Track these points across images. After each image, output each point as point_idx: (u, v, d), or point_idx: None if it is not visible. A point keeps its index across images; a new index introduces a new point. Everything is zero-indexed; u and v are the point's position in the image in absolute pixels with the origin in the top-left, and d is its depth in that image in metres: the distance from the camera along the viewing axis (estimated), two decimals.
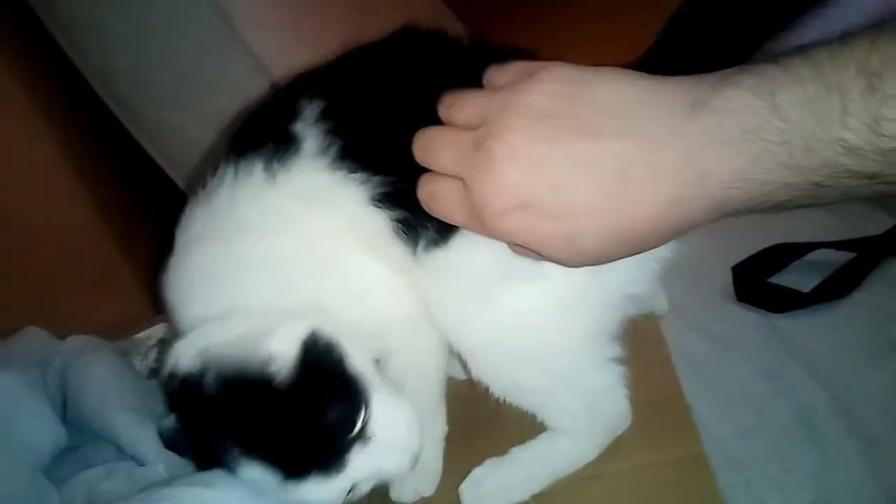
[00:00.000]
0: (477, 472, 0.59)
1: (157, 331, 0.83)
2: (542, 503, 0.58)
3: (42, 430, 0.61)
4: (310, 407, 0.48)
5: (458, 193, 0.46)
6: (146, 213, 1.25)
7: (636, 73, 0.43)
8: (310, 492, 0.48)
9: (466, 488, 0.58)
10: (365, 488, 0.52)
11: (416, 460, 0.51)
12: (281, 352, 0.49)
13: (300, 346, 0.49)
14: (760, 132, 0.37)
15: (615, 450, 0.60)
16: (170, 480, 0.53)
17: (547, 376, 0.56)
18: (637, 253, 0.44)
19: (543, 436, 0.59)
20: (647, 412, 0.64)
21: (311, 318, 0.52)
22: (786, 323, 0.70)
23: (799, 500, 0.56)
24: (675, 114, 0.40)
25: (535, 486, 0.58)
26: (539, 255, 0.46)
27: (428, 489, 0.60)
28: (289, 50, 0.93)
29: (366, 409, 0.50)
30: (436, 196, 0.48)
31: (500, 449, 0.60)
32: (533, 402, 0.58)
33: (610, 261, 0.45)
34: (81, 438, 0.64)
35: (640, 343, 0.70)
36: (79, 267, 1.07)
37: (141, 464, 0.57)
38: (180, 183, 1.09)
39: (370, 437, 0.50)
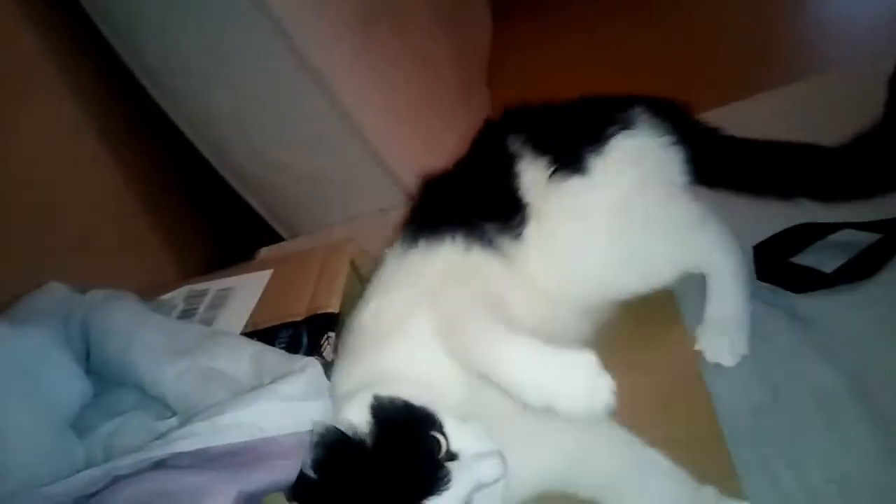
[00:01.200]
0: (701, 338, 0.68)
1: (181, 293, 0.83)
2: None
3: (68, 385, 0.63)
4: (401, 447, 0.53)
5: None
6: (172, 181, 1.27)
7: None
8: None
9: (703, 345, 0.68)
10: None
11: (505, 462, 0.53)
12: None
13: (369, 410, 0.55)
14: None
15: (631, 428, 0.60)
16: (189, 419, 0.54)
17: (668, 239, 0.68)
18: None
19: (709, 292, 0.69)
20: (664, 390, 0.65)
21: None
22: (806, 303, 0.70)
23: (814, 478, 0.56)
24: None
25: (746, 316, 0.68)
26: None
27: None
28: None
29: (443, 430, 0.54)
30: None
31: None
32: (676, 263, 0.69)
33: None
34: (105, 387, 0.65)
35: (659, 322, 0.71)
36: (105, 234, 1.09)
37: (164, 405, 0.58)
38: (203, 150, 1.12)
39: (458, 454, 0.54)
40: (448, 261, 0.67)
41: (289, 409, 0.51)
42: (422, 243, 0.68)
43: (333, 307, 0.73)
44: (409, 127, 1.15)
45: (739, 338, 0.68)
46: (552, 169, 0.69)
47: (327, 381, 0.58)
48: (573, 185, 0.68)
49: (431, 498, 0.51)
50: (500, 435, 0.55)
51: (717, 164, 0.73)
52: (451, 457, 0.53)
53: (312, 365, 0.57)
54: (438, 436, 0.54)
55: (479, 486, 0.52)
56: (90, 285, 0.74)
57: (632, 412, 0.57)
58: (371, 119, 1.06)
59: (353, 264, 0.80)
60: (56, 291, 0.73)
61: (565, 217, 0.68)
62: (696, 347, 0.68)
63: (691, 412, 0.62)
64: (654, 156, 0.71)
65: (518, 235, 0.68)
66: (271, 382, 0.54)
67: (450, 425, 0.54)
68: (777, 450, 0.59)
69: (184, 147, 1.12)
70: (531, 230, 0.68)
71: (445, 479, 0.51)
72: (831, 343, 0.66)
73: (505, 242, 0.68)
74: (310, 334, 0.69)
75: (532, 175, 0.70)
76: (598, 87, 0.75)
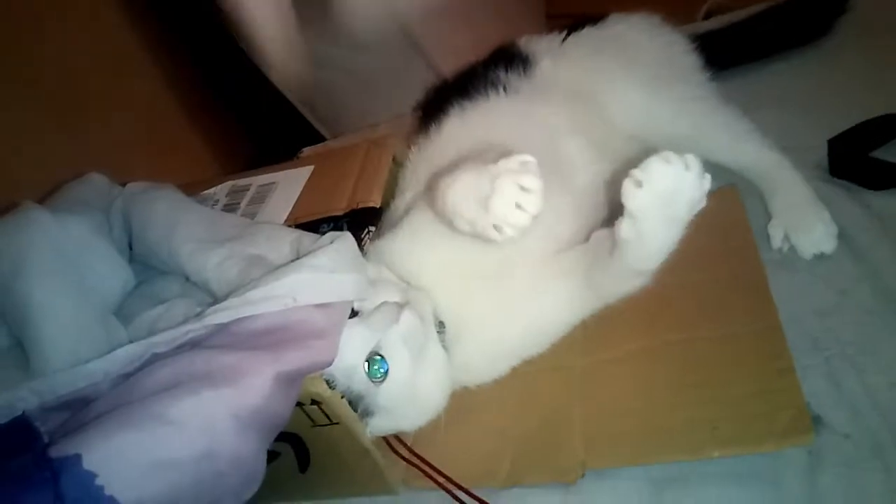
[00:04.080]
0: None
1: (223, 188, 0.82)
2: (628, 358, 0.60)
3: (110, 272, 0.63)
4: None
5: None
6: (218, 81, 1.25)
7: None
8: None
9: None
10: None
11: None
12: None
13: None
14: None
15: (690, 321, 0.59)
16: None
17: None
18: None
19: (772, 187, 0.68)
20: (725, 284, 0.62)
21: None
22: (880, 201, 0.65)
23: (878, 382, 0.53)
24: None
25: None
26: None
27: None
28: None
29: None
30: None
31: None
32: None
33: None
34: (149, 276, 0.65)
35: (724, 216, 0.67)
36: (149, 135, 1.09)
37: (207, 292, 0.58)
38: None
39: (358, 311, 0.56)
40: (451, 133, 0.71)
41: (321, 279, 0.50)
42: (432, 129, 0.73)
43: (375, 201, 0.71)
44: (456, 25, 1.10)
45: (826, 219, 0.64)
46: (565, 33, 0.79)
47: (360, 254, 0.57)
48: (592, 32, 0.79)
49: None
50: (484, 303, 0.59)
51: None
52: (353, 314, 0.55)
53: (342, 238, 0.55)
54: None
55: (375, 337, 0.53)
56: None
57: (693, 309, 0.57)
58: (417, 15, 1.01)
59: (395, 160, 0.77)
60: (96, 182, 0.72)
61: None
62: (777, 245, 0.65)
63: (752, 307, 0.59)
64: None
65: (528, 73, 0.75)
66: (302, 256, 0.52)
67: None
68: (841, 352, 0.56)
69: (228, 47, 1.09)
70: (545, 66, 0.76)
71: None
72: None
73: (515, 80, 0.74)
74: (351, 227, 0.68)
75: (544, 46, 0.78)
76: None
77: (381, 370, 0.54)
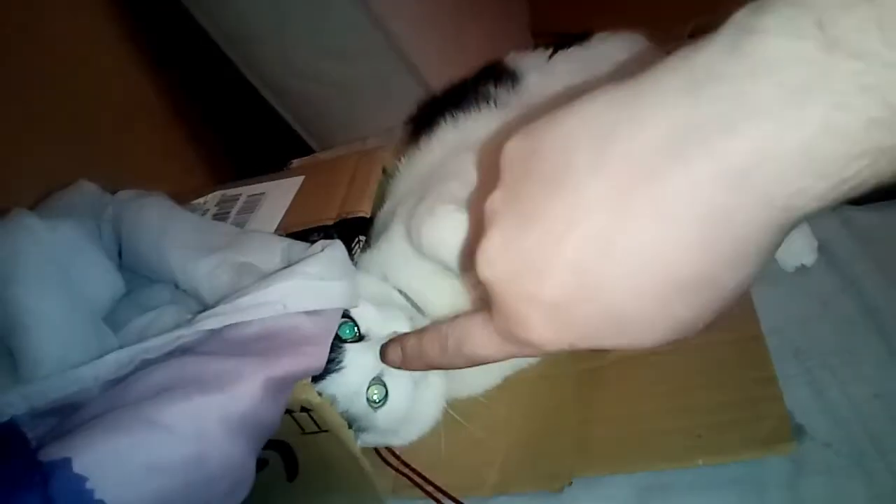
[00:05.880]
0: None
1: (213, 197, 0.82)
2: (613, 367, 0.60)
3: (100, 279, 0.62)
4: None
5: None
6: (209, 92, 1.26)
7: (610, 88, 0.29)
8: None
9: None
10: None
11: None
12: None
13: None
14: (820, 86, 0.23)
15: None
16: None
17: None
18: (714, 304, 0.30)
19: None
20: None
21: None
22: (858, 214, 0.66)
23: (860, 393, 0.54)
24: (669, 110, 0.26)
25: None
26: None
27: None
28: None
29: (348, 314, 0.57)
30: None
31: None
32: None
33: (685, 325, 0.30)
34: (139, 284, 0.65)
35: None
36: (140, 142, 1.09)
37: (197, 300, 0.58)
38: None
39: (367, 336, 0.56)
40: (443, 142, 0.72)
41: (311, 286, 0.50)
42: (422, 140, 0.74)
43: (365, 211, 0.71)
44: (444, 37, 1.11)
45: (807, 232, 0.65)
46: (552, 50, 0.82)
47: (350, 262, 0.57)
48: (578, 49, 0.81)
49: (327, 377, 0.52)
50: None
51: None
52: (361, 339, 0.55)
53: (333, 246, 0.56)
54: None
55: (381, 366, 0.53)
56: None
57: None
58: (405, 28, 1.02)
59: (385, 171, 0.78)
60: (86, 189, 0.72)
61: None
62: None
63: (733, 316, 0.59)
64: None
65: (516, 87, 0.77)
66: (293, 264, 0.52)
67: (360, 309, 0.55)
68: (822, 362, 0.57)
69: (218, 59, 1.10)
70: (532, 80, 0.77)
71: (336, 360, 0.52)
72: (883, 256, 0.63)
73: (503, 94, 0.75)
74: (341, 237, 0.68)
75: (532, 62, 0.80)
76: None
77: (381, 396, 0.55)
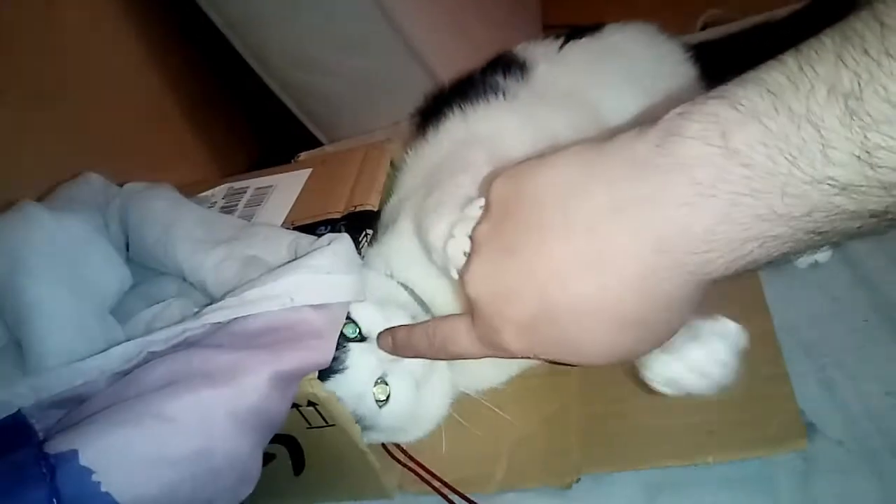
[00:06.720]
0: None
1: (220, 190, 0.82)
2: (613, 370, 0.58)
3: (107, 271, 0.62)
4: None
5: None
6: (215, 88, 1.25)
7: (578, 148, 0.36)
8: None
9: None
10: None
11: None
12: None
13: None
14: (721, 184, 0.29)
15: None
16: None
17: None
18: (650, 338, 0.37)
19: None
20: (721, 292, 0.62)
21: None
22: None
23: (872, 390, 0.53)
24: (615, 183, 0.33)
25: None
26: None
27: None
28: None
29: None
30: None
31: None
32: None
33: (621, 352, 0.38)
34: (146, 276, 0.65)
35: None
36: (148, 136, 1.09)
37: (204, 293, 0.58)
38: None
39: (368, 336, 0.56)
40: (451, 134, 0.71)
41: (318, 280, 0.50)
42: (430, 132, 0.73)
43: (372, 204, 0.71)
44: (454, 29, 1.10)
45: None
46: (563, 40, 0.80)
47: (357, 256, 0.57)
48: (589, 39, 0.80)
49: (331, 378, 0.52)
50: None
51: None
52: (363, 339, 0.55)
53: (340, 240, 0.55)
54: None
55: (384, 366, 0.53)
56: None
57: None
58: (415, 19, 1.02)
59: (392, 164, 0.78)
60: (93, 181, 0.72)
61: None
62: None
63: (745, 313, 0.59)
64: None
65: (526, 78, 0.76)
66: (300, 258, 0.52)
67: (361, 310, 0.55)
68: (835, 360, 0.56)
69: (226, 52, 1.10)
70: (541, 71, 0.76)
71: (339, 360, 0.52)
72: None
73: (512, 85, 0.74)
74: (348, 230, 0.67)
75: (542, 52, 0.79)
76: None
77: (384, 396, 0.54)
